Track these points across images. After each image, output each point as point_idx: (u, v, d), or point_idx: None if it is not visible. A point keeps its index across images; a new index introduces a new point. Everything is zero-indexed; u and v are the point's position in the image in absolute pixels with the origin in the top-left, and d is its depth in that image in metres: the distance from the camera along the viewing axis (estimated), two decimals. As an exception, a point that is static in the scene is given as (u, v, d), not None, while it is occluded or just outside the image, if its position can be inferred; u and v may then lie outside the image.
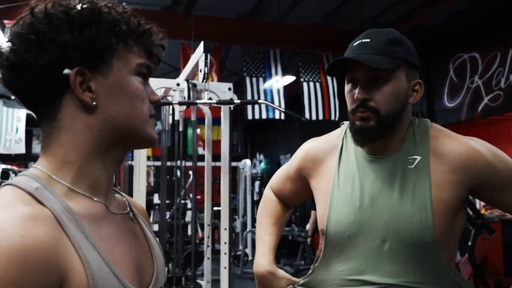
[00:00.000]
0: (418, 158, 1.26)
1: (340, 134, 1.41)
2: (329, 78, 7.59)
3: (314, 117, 7.44)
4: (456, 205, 1.25)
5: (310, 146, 1.47)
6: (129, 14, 0.84)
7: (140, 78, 0.85)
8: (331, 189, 1.34)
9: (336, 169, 1.35)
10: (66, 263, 0.70)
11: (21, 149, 9.15)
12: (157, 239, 0.98)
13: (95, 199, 0.82)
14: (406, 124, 1.31)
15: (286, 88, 7.83)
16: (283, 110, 3.84)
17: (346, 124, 1.40)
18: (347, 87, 1.30)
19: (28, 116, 9.39)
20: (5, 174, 6.77)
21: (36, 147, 14.26)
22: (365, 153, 1.33)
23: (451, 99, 7.09)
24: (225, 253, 3.41)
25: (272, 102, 7.38)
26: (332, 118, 7.47)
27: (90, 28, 0.78)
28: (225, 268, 3.39)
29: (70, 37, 0.77)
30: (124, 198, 0.96)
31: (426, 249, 1.22)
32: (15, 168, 7.45)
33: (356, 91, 1.24)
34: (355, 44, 1.27)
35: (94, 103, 0.80)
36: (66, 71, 0.77)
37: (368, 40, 1.24)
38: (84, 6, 0.79)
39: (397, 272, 1.23)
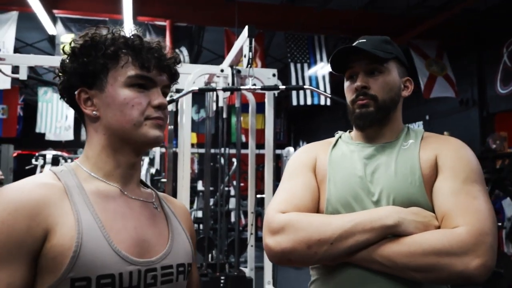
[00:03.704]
0: (412, 141, 1.40)
1: (334, 138, 1.52)
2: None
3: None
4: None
5: (303, 148, 1.53)
6: (124, 36, 1.04)
7: (134, 87, 1.02)
8: (328, 169, 1.40)
9: (329, 154, 1.44)
10: (57, 217, 0.91)
11: (69, 136, 9.45)
12: (187, 232, 1.13)
13: (110, 183, 1.03)
14: (400, 118, 1.46)
15: (332, 74, 7.72)
16: (329, 95, 3.78)
17: (340, 133, 1.55)
18: (347, 83, 1.45)
19: (77, 104, 9.65)
20: (55, 160, 6.98)
21: (84, 134, 14.62)
22: (361, 142, 1.44)
23: (504, 86, 6.80)
24: (268, 241, 3.40)
25: (317, 88, 7.30)
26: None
27: (83, 56, 1.01)
28: (268, 255, 3.39)
29: (71, 66, 1.02)
30: (154, 193, 1.14)
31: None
32: (65, 154, 7.65)
33: (356, 82, 1.40)
34: (353, 44, 1.42)
35: (95, 113, 1.03)
36: (76, 92, 1.03)
37: (365, 40, 1.43)
38: (85, 39, 1.02)
39: None
